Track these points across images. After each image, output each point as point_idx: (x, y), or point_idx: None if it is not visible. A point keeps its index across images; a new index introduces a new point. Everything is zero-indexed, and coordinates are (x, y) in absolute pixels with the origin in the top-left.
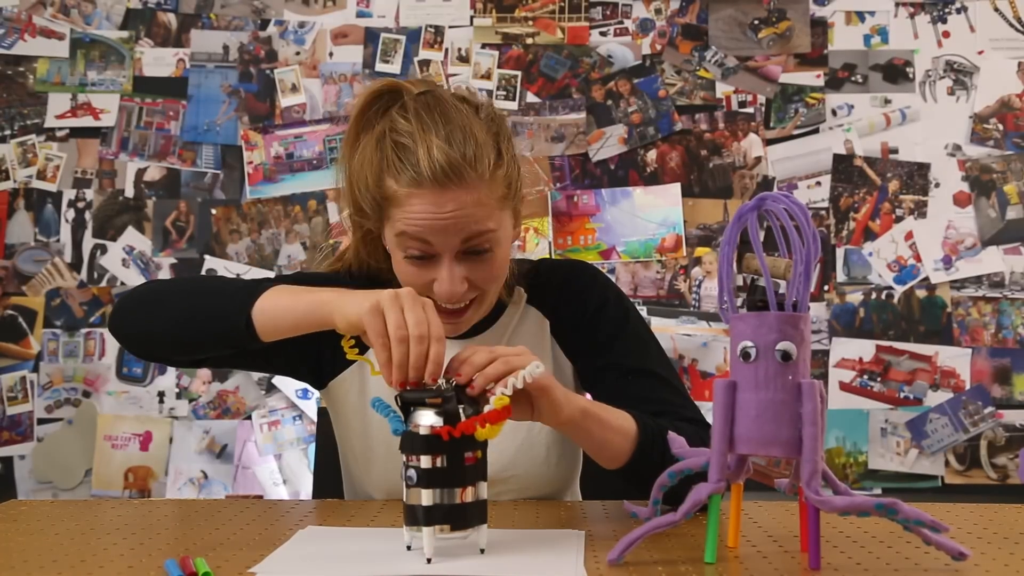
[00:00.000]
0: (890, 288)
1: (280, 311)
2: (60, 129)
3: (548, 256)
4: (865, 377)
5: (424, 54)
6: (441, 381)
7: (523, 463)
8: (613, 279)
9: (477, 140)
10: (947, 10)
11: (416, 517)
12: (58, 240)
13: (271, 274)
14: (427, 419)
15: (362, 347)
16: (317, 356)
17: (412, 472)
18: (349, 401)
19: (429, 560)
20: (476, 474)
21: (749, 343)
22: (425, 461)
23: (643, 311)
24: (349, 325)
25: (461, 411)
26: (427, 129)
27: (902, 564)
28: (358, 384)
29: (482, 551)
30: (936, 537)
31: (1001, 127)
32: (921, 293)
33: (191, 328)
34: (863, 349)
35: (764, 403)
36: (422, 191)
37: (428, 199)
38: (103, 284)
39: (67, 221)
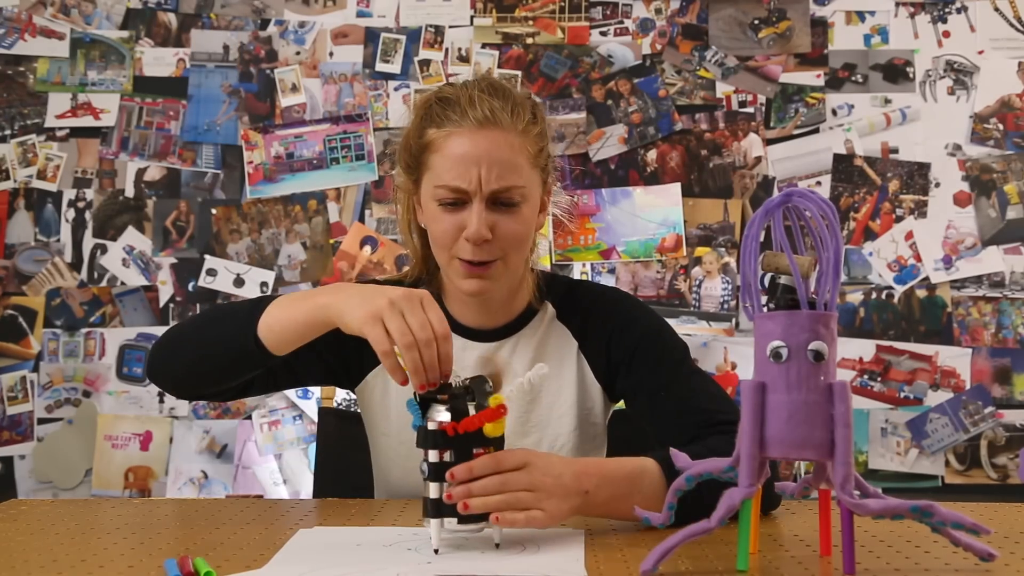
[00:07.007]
0: (890, 288)
1: (283, 322)
2: (60, 129)
3: (548, 256)
4: (865, 377)
5: (424, 54)
6: (457, 378)
7: None
8: (614, 281)
9: (515, 98)
10: (947, 10)
11: (426, 509)
12: (58, 240)
13: (272, 274)
14: (438, 415)
15: None
16: (342, 361)
17: (424, 466)
18: (374, 401)
19: (436, 551)
20: None
21: (780, 343)
22: (433, 455)
23: None
24: (352, 333)
25: (472, 408)
26: (470, 86)
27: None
28: (381, 385)
29: (497, 545)
30: (964, 538)
31: (1001, 127)
32: (921, 293)
33: (208, 362)
34: (863, 349)
35: (796, 404)
36: (461, 131)
37: (466, 137)
38: (103, 284)
39: (67, 221)
